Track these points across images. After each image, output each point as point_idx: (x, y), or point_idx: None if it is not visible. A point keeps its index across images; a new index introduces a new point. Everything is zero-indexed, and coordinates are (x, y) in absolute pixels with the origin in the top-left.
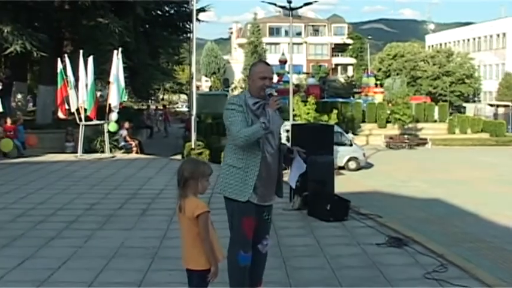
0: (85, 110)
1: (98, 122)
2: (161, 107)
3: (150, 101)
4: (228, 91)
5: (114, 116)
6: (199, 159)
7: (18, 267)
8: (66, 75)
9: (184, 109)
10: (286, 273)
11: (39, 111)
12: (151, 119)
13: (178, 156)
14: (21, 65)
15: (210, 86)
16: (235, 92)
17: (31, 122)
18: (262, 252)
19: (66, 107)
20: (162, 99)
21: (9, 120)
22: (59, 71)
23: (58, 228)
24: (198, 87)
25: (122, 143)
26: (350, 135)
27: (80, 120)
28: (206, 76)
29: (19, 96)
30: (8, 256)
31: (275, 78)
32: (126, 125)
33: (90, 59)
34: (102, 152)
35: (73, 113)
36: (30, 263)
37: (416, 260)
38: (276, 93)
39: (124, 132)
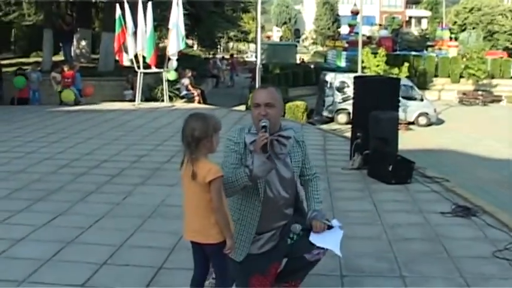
0: (144, 57)
1: (157, 70)
2: (228, 56)
3: (217, 50)
4: (298, 41)
5: (173, 64)
6: (205, 113)
7: (48, 224)
8: (124, 22)
9: (253, 59)
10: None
11: (102, 59)
12: (218, 68)
13: (242, 107)
14: (85, 11)
15: (281, 36)
16: (306, 43)
17: (93, 70)
18: (310, 260)
19: (124, 54)
20: (232, 48)
21: (66, 68)
22: (117, 17)
23: (99, 181)
24: (268, 37)
25: (184, 92)
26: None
27: (139, 68)
28: (277, 26)
29: (83, 43)
30: (40, 212)
31: (346, 30)
32: (189, 73)
33: (149, 4)
34: (163, 100)
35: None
36: (61, 220)
37: (485, 234)
38: (267, 126)
39: (186, 81)
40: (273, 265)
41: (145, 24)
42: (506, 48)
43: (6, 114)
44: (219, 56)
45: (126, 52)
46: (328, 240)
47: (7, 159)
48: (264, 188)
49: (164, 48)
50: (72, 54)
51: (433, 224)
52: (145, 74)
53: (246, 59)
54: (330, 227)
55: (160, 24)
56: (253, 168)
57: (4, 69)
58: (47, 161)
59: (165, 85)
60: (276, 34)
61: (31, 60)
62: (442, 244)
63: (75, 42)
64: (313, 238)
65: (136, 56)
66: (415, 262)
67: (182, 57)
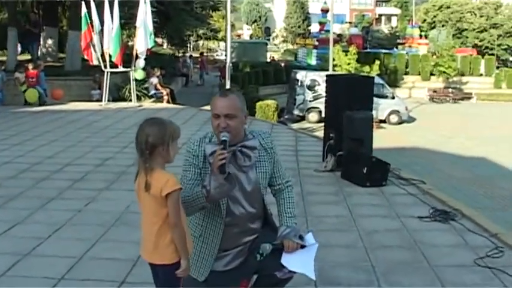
0: (110, 56)
1: (124, 69)
2: (198, 55)
3: (187, 48)
4: (269, 39)
5: (141, 62)
6: (163, 118)
7: (4, 234)
8: (90, 20)
9: (224, 57)
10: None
11: (68, 58)
12: (188, 67)
13: None
14: (52, 9)
15: (251, 35)
16: (276, 41)
17: (60, 69)
18: (282, 278)
19: (93, 52)
20: (202, 46)
21: (31, 66)
22: (83, 14)
23: (61, 187)
24: (239, 36)
25: (153, 92)
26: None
27: (105, 67)
28: (247, 24)
29: (49, 41)
30: None
31: (316, 28)
32: (157, 72)
33: (116, 2)
34: (131, 100)
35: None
36: (19, 229)
37: (465, 240)
38: (227, 141)
39: (155, 80)
40: (241, 283)
41: (112, 22)
42: (475, 46)
43: None
44: (188, 54)
45: (95, 50)
46: (300, 262)
47: None
48: (227, 203)
49: (133, 46)
50: (39, 53)
51: (411, 230)
52: (113, 73)
53: (216, 57)
54: (303, 246)
55: (128, 23)
56: (210, 189)
57: None
58: (7, 165)
59: (133, 84)
60: (246, 32)
61: None
62: (421, 252)
63: (42, 41)
64: (285, 260)
65: (103, 55)
66: (394, 272)
67: (151, 55)
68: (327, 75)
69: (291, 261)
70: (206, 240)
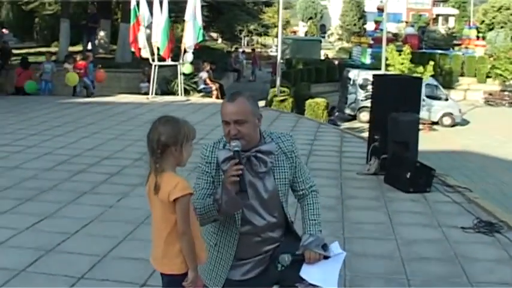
0: (158, 49)
1: (172, 62)
2: (250, 50)
3: (240, 43)
4: (324, 37)
5: (189, 57)
6: (178, 118)
7: (31, 228)
8: (139, 12)
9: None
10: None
11: (119, 50)
12: (240, 62)
13: (262, 102)
14: (106, 2)
15: (306, 32)
16: (331, 39)
17: (111, 61)
18: None
19: (140, 45)
20: (257, 42)
21: (79, 58)
22: (132, 7)
23: (96, 180)
24: (294, 32)
25: (202, 86)
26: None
27: (153, 60)
28: (303, 21)
29: (102, 34)
30: (25, 213)
31: (372, 26)
32: (207, 67)
33: None
34: (179, 94)
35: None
36: (47, 223)
37: (509, 254)
38: (239, 151)
39: (204, 75)
40: None
41: (161, 15)
42: None
43: (15, 106)
44: (241, 49)
45: (141, 43)
46: (322, 275)
47: (5, 153)
48: (242, 213)
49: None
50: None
51: (452, 241)
52: (162, 66)
53: (271, 54)
54: (326, 257)
55: (179, 16)
56: (222, 203)
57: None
58: (46, 157)
59: (180, 78)
60: (301, 29)
61: (52, 50)
62: (461, 266)
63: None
64: (305, 272)
65: (152, 48)
66: (429, 287)
67: (203, 50)
68: (373, 75)
69: (311, 273)
70: (221, 249)
